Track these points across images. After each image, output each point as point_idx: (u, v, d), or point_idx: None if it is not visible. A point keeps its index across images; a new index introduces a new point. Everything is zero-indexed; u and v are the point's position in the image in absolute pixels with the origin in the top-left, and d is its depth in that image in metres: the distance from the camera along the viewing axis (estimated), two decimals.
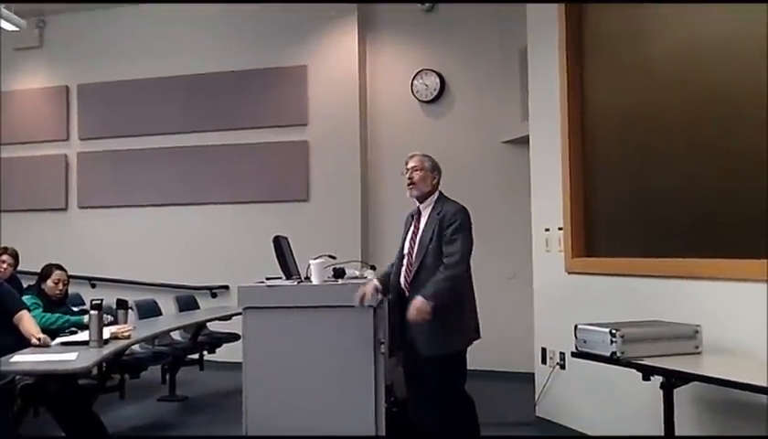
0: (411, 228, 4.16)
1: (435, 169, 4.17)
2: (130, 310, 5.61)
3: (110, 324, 4.96)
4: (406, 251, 4.14)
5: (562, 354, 5.04)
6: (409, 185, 4.13)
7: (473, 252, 4.05)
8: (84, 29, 8.68)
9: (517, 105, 6.89)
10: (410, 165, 4.15)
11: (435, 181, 4.16)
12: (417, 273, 4.01)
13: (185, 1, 8.25)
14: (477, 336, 4.10)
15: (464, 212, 4.03)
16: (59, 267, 5.43)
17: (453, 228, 3.96)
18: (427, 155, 4.19)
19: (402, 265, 4.12)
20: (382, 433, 4.32)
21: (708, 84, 3.99)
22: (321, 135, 7.95)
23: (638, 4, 4.51)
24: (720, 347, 3.59)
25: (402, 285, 4.09)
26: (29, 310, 4.67)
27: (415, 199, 4.16)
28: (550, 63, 5.21)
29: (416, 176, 4.11)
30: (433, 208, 4.09)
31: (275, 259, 4.90)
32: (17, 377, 3.97)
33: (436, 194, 4.14)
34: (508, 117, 7.13)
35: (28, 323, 4.44)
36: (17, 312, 4.47)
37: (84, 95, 8.73)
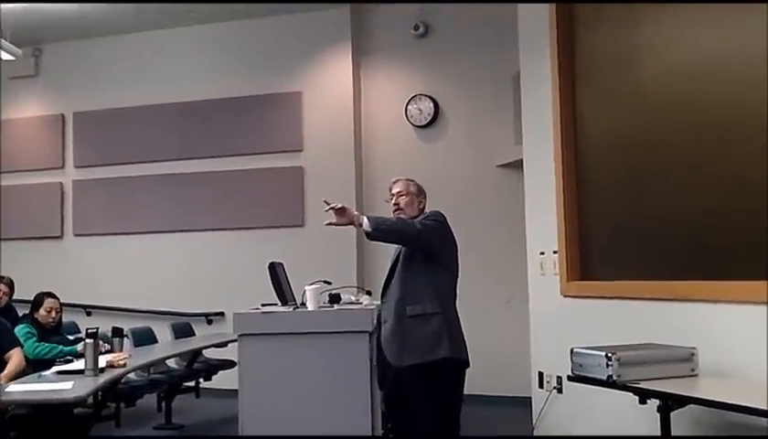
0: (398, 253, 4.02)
1: (421, 193, 4.08)
2: (125, 338, 5.59)
3: (107, 352, 4.95)
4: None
5: (559, 378, 5.03)
6: (395, 210, 4.02)
7: (459, 272, 3.96)
8: (79, 58, 8.72)
9: (510, 129, 6.93)
10: (396, 190, 4.05)
11: (422, 205, 4.06)
12: (388, 288, 3.91)
13: None
14: (462, 359, 3.80)
15: (437, 213, 3.91)
16: (51, 295, 5.42)
17: (425, 218, 3.89)
18: (411, 180, 4.10)
19: None
20: None
21: (700, 106, 4.02)
22: (316, 161, 7.97)
23: (630, 26, 4.55)
24: (716, 369, 3.59)
25: None
26: (22, 347, 4.69)
27: None
28: (543, 87, 5.25)
29: (402, 201, 4.01)
30: None
31: (270, 285, 4.90)
32: (11, 407, 3.96)
33: (421, 216, 3.99)
34: (502, 141, 7.17)
35: (12, 362, 4.44)
36: (9, 350, 4.48)
37: (79, 123, 8.74)
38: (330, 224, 3.85)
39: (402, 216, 3.98)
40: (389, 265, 3.98)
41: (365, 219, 3.71)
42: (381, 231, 3.73)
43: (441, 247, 3.87)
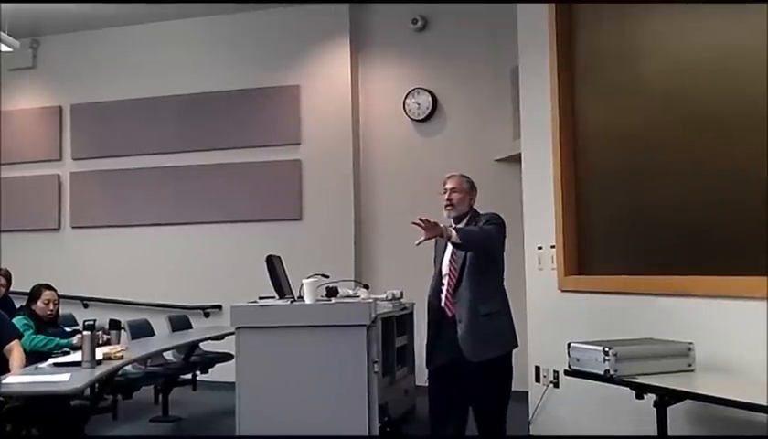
0: (449, 248, 4.10)
1: (473, 189, 4.23)
2: (122, 330, 5.60)
3: (106, 343, 4.95)
4: (445, 271, 4.13)
5: (556, 372, 5.03)
6: (447, 206, 4.15)
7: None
8: (77, 50, 8.70)
9: (509, 124, 6.92)
10: (449, 186, 4.17)
11: (472, 202, 4.21)
12: (458, 290, 4.04)
13: None
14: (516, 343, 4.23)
15: (497, 216, 4.12)
16: (48, 287, 5.42)
17: (487, 222, 4.07)
18: (465, 176, 4.23)
19: (443, 285, 4.12)
20: None
21: (699, 102, 4.01)
22: (314, 154, 7.97)
23: (629, 22, 4.54)
24: (714, 364, 3.58)
25: (443, 304, 4.09)
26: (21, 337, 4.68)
27: (452, 220, 4.16)
28: (542, 82, 5.25)
29: (455, 197, 4.14)
30: (467, 224, 4.10)
31: (268, 278, 4.90)
32: (8, 399, 3.95)
33: (471, 212, 4.17)
34: (500, 135, 7.17)
35: (14, 359, 4.43)
36: (9, 342, 4.47)
37: (77, 115, 8.73)
38: (421, 242, 3.90)
39: (453, 213, 4.14)
40: (457, 268, 4.07)
41: (453, 232, 3.86)
42: (470, 242, 3.94)
43: (502, 249, 4.15)
